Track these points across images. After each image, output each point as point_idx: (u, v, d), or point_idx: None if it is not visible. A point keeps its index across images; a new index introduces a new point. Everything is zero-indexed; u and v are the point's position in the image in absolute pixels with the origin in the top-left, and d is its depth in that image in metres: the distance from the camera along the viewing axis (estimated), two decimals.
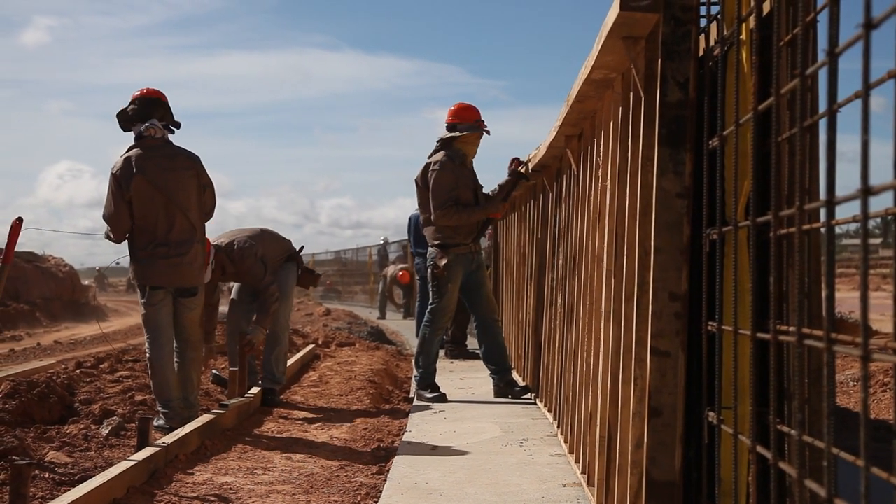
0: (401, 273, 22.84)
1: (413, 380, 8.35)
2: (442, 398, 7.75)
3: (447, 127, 8.11)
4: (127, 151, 6.38)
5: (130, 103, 6.47)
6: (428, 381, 7.91)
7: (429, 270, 8.04)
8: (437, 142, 8.11)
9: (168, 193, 6.30)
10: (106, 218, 6.37)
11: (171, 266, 6.31)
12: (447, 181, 7.82)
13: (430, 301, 8.05)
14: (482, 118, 8.10)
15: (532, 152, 7.62)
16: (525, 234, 8.83)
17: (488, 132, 8.08)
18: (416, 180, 8.07)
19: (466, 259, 7.97)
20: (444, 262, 7.83)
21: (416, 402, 7.80)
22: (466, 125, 8.01)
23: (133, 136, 6.42)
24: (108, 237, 6.46)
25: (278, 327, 7.89)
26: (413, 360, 8.22)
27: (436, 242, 7.93)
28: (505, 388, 7.90)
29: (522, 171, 8.10)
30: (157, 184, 6.28)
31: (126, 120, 6.45)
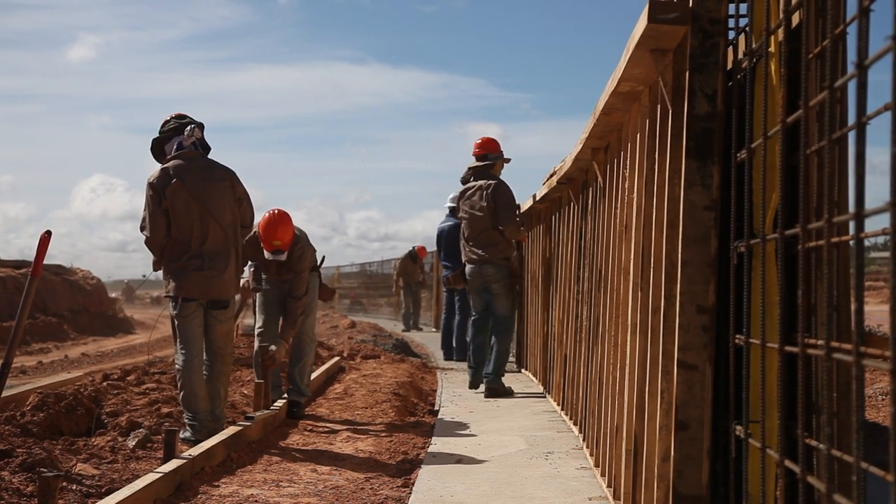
0: (419, 247, 22.96)
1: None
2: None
3: (479, 157, 9.25)
4: (165, 164, 6.43)
5: (161, 128, 6.55)
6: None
7: (502, 280, 9.17)
8: (471, 169, 9.25)
9: (204, 202, 6.33)
10: (142, 229, 6.41)
11: (203, 278, 6.34)
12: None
13: (508, 308, 9.26)
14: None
15: (558, 165, 7.63)
16: (551, 247, 8.82)
17: (509, 160, 9.37)
18: (484, 199, 9.04)
19: None
20: (516, 266, 9.20)
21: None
22: (495, 154, 9.22)
23: (171, 152, 6.46)
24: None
25: (304, 339, 7.89)
26: (494, 355, 9.13)
27: (507, 255, 9.19)
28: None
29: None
30: (194, 192, 6.31)
31: (167, 131, 6.50)
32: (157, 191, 6.32)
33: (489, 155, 9.15)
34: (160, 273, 6.56)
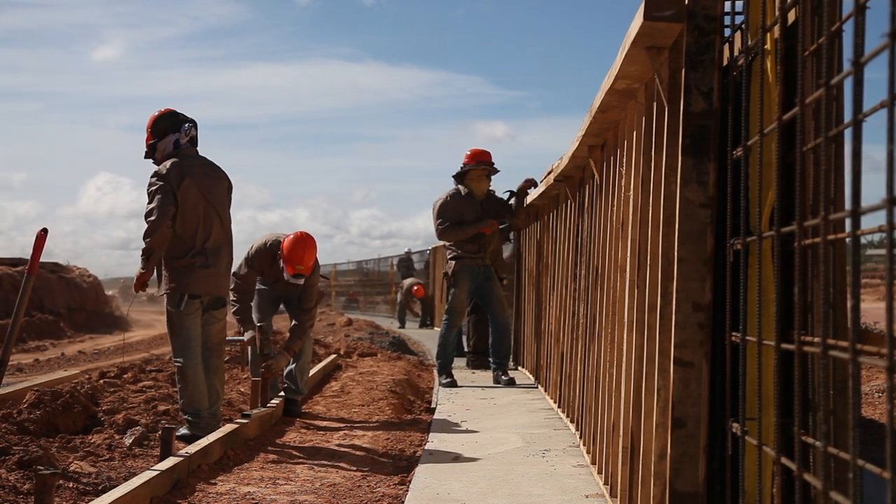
0: (416, 288, 22.90)
1: (436, 371, 10.21)
2: (453, 384, 9.48)
3: (461, 166, 9.85)
4: (167, 160, 6.38)
5: (154, 124, 6.47)
6: (445, 369, 9.68)
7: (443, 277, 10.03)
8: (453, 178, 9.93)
9: (210, 200, 6.35)
10: (148, 216, 6.21)
11: (209, 276, 6.34)
12: (447, 208, 9.62)
13: (445, 303, 9.93)
14: (489, 160, 9.71)
15: (555, 162, 7.63)
16: (547, 244, 8.83)
17: (494, 171, 9.72)
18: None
19: (472, 269, 9.66)
20: (451, 270, 9.68)
21: (437, 385, 9.67)
22: (470, 165, 9.69)
23: (168, 148, 6.42)
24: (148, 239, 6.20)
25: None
26: (436, 355, 10.03)
27: (449, 255, 9.80)
28: (499, 377, 9.57)
29: (529, 186, 9.71)
30: (203, 190, 6.33)
31: (162, 131, 6.45)
32: (170, 182, 6.24)
33: (464, 165, 9.76)
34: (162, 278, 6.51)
